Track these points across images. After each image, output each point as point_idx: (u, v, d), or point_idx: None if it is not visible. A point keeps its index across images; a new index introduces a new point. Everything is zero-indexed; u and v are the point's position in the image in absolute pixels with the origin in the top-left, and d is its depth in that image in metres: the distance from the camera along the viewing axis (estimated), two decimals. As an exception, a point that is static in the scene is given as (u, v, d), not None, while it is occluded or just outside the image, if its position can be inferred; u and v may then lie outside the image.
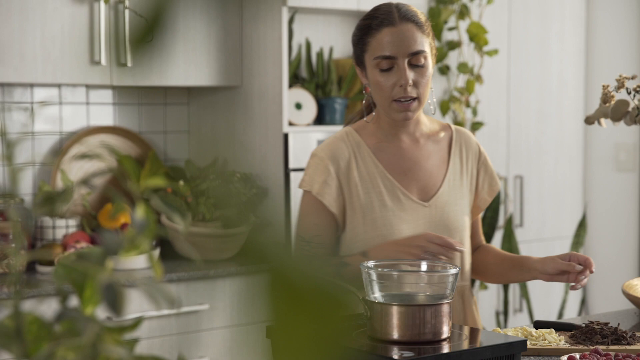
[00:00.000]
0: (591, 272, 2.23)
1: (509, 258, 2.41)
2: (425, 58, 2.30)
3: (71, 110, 3.94)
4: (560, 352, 2.12)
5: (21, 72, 3.49)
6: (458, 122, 4.29)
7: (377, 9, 2.35)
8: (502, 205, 4.54)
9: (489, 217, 4.29)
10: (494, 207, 4.30)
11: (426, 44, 2.31)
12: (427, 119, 2.45)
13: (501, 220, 4.53)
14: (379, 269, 1.97)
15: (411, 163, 2.38)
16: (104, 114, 4.03)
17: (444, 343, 1.90)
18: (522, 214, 4.67)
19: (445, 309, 1.91)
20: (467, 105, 4.35)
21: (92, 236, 3.70)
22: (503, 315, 4.45)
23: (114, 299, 0.80)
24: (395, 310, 1.89)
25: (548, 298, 4.77)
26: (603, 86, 2.58)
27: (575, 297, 4.87)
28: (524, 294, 4.45)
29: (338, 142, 2.38)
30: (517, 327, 2.27)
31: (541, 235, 4.77)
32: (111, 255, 0.86)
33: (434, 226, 2.33)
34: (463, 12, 4.26)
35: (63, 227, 3.66)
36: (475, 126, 4.35)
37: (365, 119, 2.41)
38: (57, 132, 3.90)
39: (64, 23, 3.57)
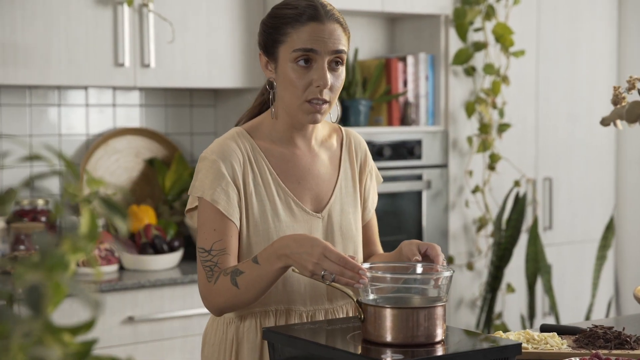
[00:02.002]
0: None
1: (390, 255, 2.25)
2: (343, 61, 2.15)
3: (98, 112, 3.98)
4: (561, 356, 2.10)
5: (46, 74, 3.54)
6: (484, 124, 4.26)
7: (299, 1, 2.15)
8: (528, 207, 4.50)
9: (514, 219, 4.25)
10: (520, 209, 4.26)
11: (346, 47, 2.16)
12: (320, 124, 2.28)
13: (527, 223, 4.49)
14: (373, 272, 1.96)
15: (305, 171, 2.22)
16: (131, 115, 4.07)
17: (438, 346, 1.89)
18: (551, 216, 4.62)
19: (439, 311, 1.90)
20: (494, 106, 4.31)
21: (115, 236, 3.75)
22: (529, 320, 4.41)
23: (34, 299, 0.81)
24: (388, 313, 1.88)
25: (577, 301, 4.72)
26: (614, 87, 2.55)
27: (603, 300, 4.81)
28: (551, 297, 4.40)
29: (229, 142, 2.17)
30: (520, 330, 2.25)
31: (571, 238, 4.72)
32: (47, 259, 0.87)
33: (328, 237, 2.20)
34: (489, 13, 4.23)
35: (88, 227, 3.70)
36: (502, 128, 4.32)
37: (272, 117, 2.20)
38: (83, 134, 3.95)
39: (88, 26, 3.61)
